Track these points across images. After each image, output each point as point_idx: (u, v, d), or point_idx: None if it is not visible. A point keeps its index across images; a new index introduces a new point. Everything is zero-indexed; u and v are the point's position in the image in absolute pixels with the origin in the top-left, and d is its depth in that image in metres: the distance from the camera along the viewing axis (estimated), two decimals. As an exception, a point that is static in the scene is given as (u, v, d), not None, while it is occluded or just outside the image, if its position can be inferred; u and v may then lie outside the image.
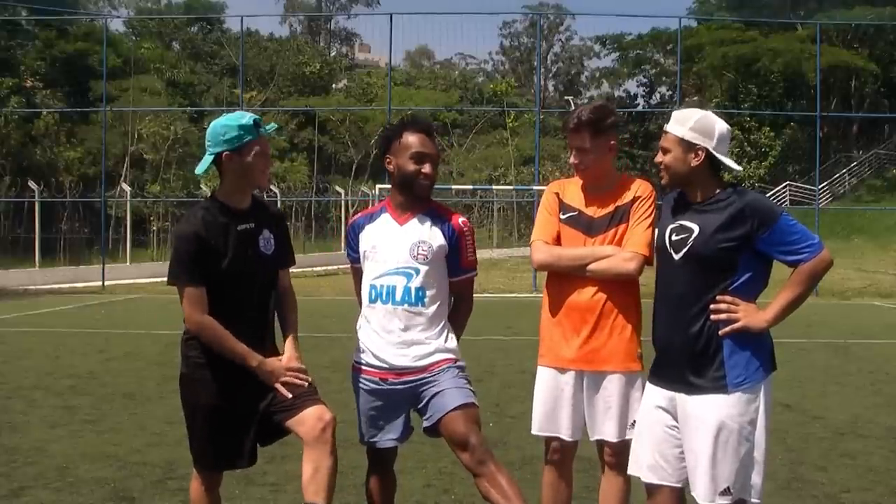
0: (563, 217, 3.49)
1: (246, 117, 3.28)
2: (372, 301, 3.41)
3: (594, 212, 3.44)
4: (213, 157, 3.28)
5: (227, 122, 3.27)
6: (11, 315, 14.48)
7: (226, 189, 3.34)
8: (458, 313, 3.52)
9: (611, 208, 3.42)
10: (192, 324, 3.24)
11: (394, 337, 3.36)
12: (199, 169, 3.35)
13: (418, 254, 3.36)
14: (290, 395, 3.23)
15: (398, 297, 3.36)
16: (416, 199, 3.40)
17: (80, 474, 5.00)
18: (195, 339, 3.30)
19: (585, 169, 3.42)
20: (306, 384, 3.27)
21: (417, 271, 3.35)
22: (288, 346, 3.38)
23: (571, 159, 3.45)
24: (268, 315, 3.41)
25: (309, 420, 3.15)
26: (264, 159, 3.32)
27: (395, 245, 3.38)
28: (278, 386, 3.24)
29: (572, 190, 3.53)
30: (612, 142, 3.43)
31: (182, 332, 3.36)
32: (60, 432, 6.05)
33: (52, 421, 6.41)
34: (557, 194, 3.55)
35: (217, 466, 3.43)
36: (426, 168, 3.34)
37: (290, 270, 3.57)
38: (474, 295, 3.60)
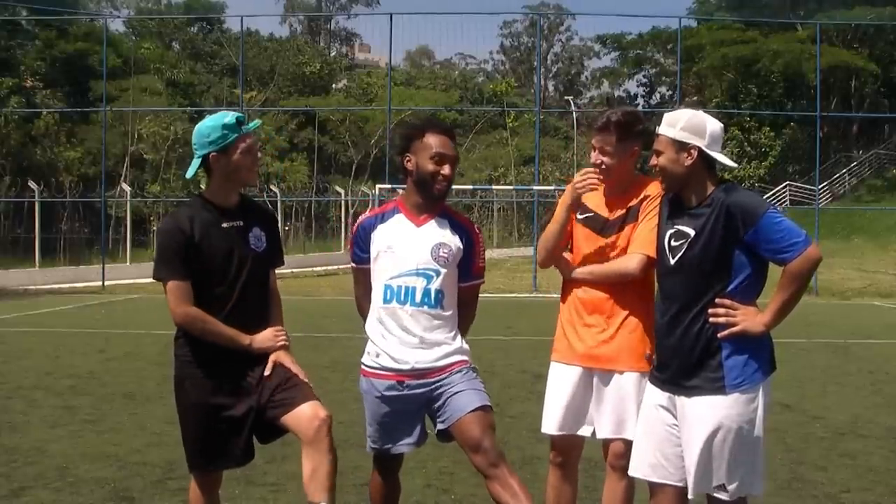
0: (579, 217, 3.52)
1: (228, 116, 3.29)
2: (387, 301, 3.35)
3: (609, 213, 3.47)
4: (200, 159, 3.30)
5: (211, 124, 3.29)
6: (11, 315, 14.49)
7: (213, 188, 3.36)
8: (462, 319, 3.48)
9: (623, 209, 3.44)
10: (178, 315, 3.23)
11: (414, 338, 3.31)
12: (189, 173, 3.36)
13: (439, 256, 3.33)
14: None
15: (417, 298, 3.31)
16: (431, 200, 3.38)
17: (80, 474, 5.00)
18: (184, 338, 3.30)
19: (606, 170, 3.42)
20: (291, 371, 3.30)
21: (438, 273, 3.33)
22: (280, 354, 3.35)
23: (592, 158, 3.46)
24: (259, 312, 3.36)
25: (304, 419, 3.14)
26: (251, 156, 3.33)
27: (415, 246, 3.34)
28: (275, 357, 3.31)
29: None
30: (636, 148, 3.44)
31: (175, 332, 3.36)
32: (60, 432, 6.05)
33: (52, 421, 6.41)
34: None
35: (208, 466, 3.40)
36: (445, 169, 3.32)
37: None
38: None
